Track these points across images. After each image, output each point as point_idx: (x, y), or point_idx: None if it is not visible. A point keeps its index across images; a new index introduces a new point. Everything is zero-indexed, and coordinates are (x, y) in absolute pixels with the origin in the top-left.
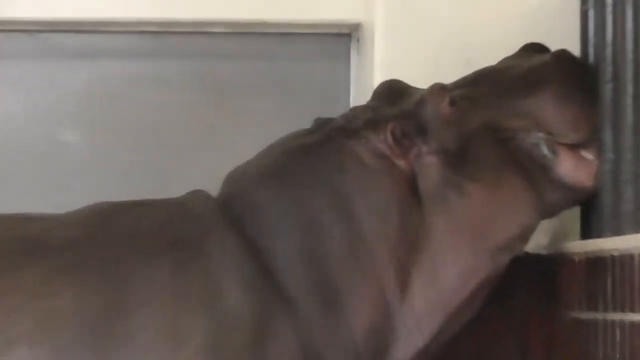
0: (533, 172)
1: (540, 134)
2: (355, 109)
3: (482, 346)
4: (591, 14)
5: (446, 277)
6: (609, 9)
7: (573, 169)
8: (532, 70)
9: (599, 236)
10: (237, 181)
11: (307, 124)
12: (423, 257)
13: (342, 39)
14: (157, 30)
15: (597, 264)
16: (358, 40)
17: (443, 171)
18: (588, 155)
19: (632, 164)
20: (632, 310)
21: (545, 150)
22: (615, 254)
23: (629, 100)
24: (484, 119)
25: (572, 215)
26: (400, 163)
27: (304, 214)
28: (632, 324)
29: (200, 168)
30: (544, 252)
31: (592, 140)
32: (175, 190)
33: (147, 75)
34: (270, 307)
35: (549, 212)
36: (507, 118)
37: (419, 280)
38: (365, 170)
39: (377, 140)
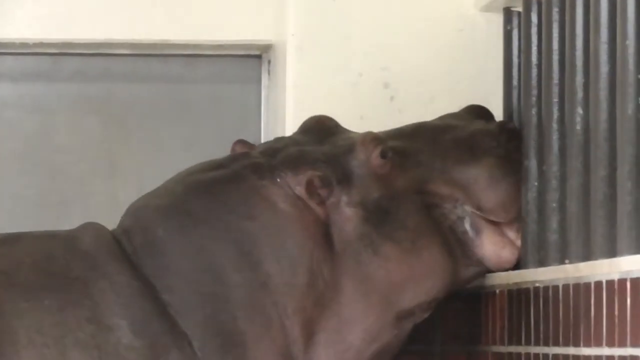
0: (453, 245)
1: (467, 208)
2: (280, 140)
3: None
4: (515, 34)
5: (350, 336)
6: (534, 29)
7: (495, 252)
8: (472, 138)
9: (523, 267)
10: (137, 214)
11: (215, 151)
12: (330, 312)
13: (252, 60)
14: (55, 52)
15: (520, 295)
16: (269, 62)
17: (360, 226)
18: (511, 234)
19: (558, 193)
20: (557, 344)
21: (468, 227)
22: (539, 285)
23: (555, 125)
24: (413, 179)
25: None
26: (316, 209)
27: (205, 256)
28: (556, 358)
29: (101, 197)
30: None
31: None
32: (74, 221)
33: (44, 99)
34: (162, 349)
35: (459, 284)
36: (437, 183)
37: (324, 335)
38: (276, 216)
39: (294, 182)
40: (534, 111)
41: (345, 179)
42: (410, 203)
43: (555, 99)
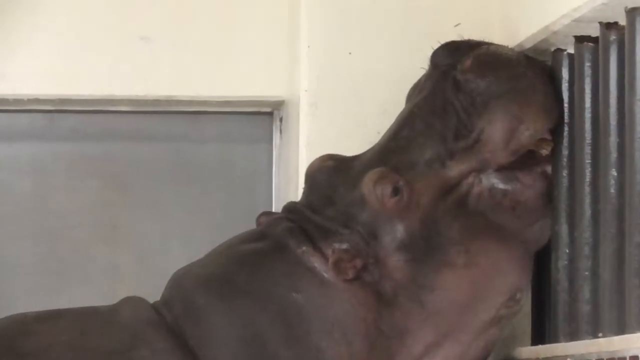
0: (502, 215)
1: (484, 176)
2: (295, 209)
3: None
4: None
5: None
6: (565, 85)
7: (531, 192)
8: (444, 108)
9: (553, 341)
10: (177, 285)
11: (223, 215)
12: (400, 356)
13: (263, 117)
14: (51, 108)
15: None
16: (281, 119)
17: (408, 269)
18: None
19: (590, 260)
20: None
21: (501, 185)
22: None
23: (587, 189)
24: (432, 184)
25: (523, 318)
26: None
27: (249, 328)
28: None
29: (100, 264)
30: (492, 358)
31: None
32: (73, 288)
33: (39, 159)
34: None
35: (539, 241)
36: (452, 170)
37: None
38: (323, 288)
39: (329, 252)
40: (564, 173)
41: (371, 234)
42: (444, 212)
43: (588, 160)
